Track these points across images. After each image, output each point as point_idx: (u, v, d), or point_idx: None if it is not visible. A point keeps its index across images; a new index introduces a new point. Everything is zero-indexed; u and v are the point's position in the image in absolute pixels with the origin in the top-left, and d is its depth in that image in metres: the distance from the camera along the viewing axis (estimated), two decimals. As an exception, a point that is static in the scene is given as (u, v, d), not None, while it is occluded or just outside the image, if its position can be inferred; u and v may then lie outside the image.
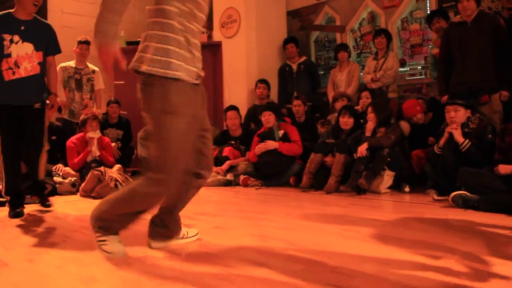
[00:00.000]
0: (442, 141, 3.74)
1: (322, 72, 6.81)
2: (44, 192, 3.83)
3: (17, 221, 3.27)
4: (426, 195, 3.84)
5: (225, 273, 1.88)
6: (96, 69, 5.73)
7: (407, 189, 4.21)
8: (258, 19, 6.56)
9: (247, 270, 1.91)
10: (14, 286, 1.80)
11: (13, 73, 3.42)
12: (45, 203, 3.74)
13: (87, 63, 5.68)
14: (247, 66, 6.56)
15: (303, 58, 6.29)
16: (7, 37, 3.40)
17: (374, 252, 2.17)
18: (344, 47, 5.93)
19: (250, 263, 2.02)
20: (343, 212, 3.32)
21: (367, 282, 1.72)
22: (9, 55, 3.40)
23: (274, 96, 6.45)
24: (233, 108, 5.68)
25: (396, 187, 4.29)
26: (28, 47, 3.48)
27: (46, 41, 3.59)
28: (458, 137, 3.62)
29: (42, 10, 6.49)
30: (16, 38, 3.42)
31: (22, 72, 3.45)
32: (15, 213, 3.40)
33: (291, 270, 1.89)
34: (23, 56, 3.45)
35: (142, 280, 1.83)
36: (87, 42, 5.55)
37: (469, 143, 3.57)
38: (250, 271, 1.90)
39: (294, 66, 6.23)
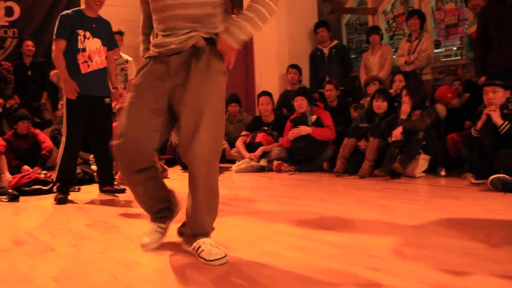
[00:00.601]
0: (479, 124, 3.65)
1: (354, 56, 6.72)
2: (114, 182, 4.10)
3: (61, 208, 3.40)
4: (463, 179, 3.77)
5: (263, 258, 1.91)
6: (130, 58, 5.82)
7: (443, 172, 4.14)
8: (288, 3, 6.49)
9: (285, 255, 1.94)
10: (62, 270, 1.88)
11: (88, 66, 3.75)
12: (117, 189, 4.00)
13: (121, 53, 5.76)
14: (278, 51, 6.53)
15: (335, 42, 6.21)
16: (81, 32, 3.71)
17: (411, 236, 2.16)
18: (375, 29, 5.82)
19: (287, 247, 2.05)
20: (378, 196, 3.30)
21: (405, 266, 1.72)
22: (84, 50, 3.72)
23: (305, 81, 6.41)
24: (266, 93, 5.68)
25: (431, 171, 4.22)
26: (97, 43, 3.81)
27: (107, 37, 3.93)
28: (497, 119, 3.53)
29: (75, 1, 6.63)
30: (88, 34, 3.75)
31: (94, 65, 3.77)
32: (60, 199, 3.58)
33: (328, 254, 1.91)
34: (94, 50, 3.78)
35: (185, 263, 1.88)
36: (120, 33, 5.64)
37: (508, 124, 3.47)
38: (288, 255, 1.93)
39: (326, 51, 6.16)
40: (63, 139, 3.69)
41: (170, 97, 1.97)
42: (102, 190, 4.01)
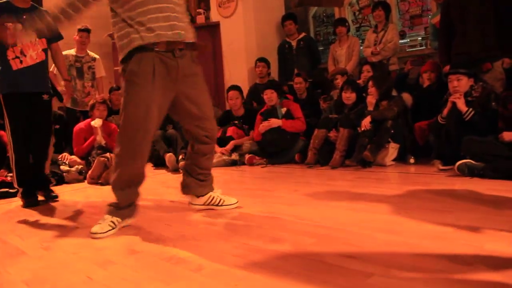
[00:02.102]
0: (445, 111, 3.74)
1: (321, 48, 6.78)
2: (49, 186, 3.75)
3: (29, 211, 3.30)
4: (431, 165, 3.86)
5: (237, 250, 1.91)
6: (97, 56, 5.71)
7: (412, 160, 4.22)
8: (255, -4, 6.50)
9: (261, 246, 1.94)
10: (34, 272, 1.84)
11: (21, 61, 3.41)
12: (50, 195, 3.63)
13: (88, 51, 5.66)
14: (246, 45, 6.52)
15: (302, 35, 6.24)
16: (10, 26, 3.33)
17: (383, 223, 2.20)
18: (342, 22, 5.88)
19: (263, 239, 2.05)
20: (349, 186, 3.35)
21: (379, 252, 1.76)
22: (14, 44, 3.37)
23: (274, 74, 6.43)
24: (235, 87, 5.66)
25: (401, 159, 4.30)
26: (31, 35, 3.41)
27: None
28: (462, 106, 3.62)
29: (37, -2, 6.43)
30: (19, 26, 3.34)
31: (29, 61, 3.44)
32: (29, 202, 3.43)
33: (304, 244, 1.93)
34: (28, 44, 3.43)
35: (160, 259, 1.87)
36: (87, 30, 5.53)
37: (473, 111, 3.57)
38: (264, 246, 1.94)
39: (294, 43, 6.19)
40: (11, 143, 3.44)
41: None
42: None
